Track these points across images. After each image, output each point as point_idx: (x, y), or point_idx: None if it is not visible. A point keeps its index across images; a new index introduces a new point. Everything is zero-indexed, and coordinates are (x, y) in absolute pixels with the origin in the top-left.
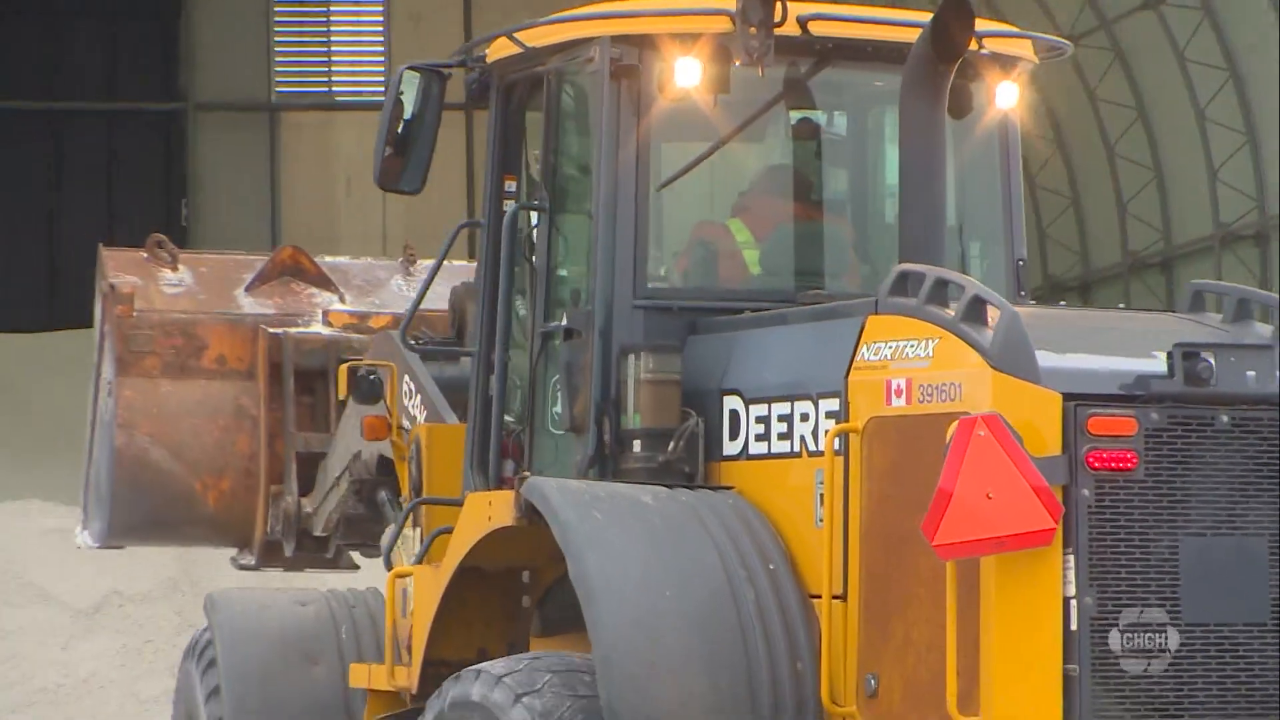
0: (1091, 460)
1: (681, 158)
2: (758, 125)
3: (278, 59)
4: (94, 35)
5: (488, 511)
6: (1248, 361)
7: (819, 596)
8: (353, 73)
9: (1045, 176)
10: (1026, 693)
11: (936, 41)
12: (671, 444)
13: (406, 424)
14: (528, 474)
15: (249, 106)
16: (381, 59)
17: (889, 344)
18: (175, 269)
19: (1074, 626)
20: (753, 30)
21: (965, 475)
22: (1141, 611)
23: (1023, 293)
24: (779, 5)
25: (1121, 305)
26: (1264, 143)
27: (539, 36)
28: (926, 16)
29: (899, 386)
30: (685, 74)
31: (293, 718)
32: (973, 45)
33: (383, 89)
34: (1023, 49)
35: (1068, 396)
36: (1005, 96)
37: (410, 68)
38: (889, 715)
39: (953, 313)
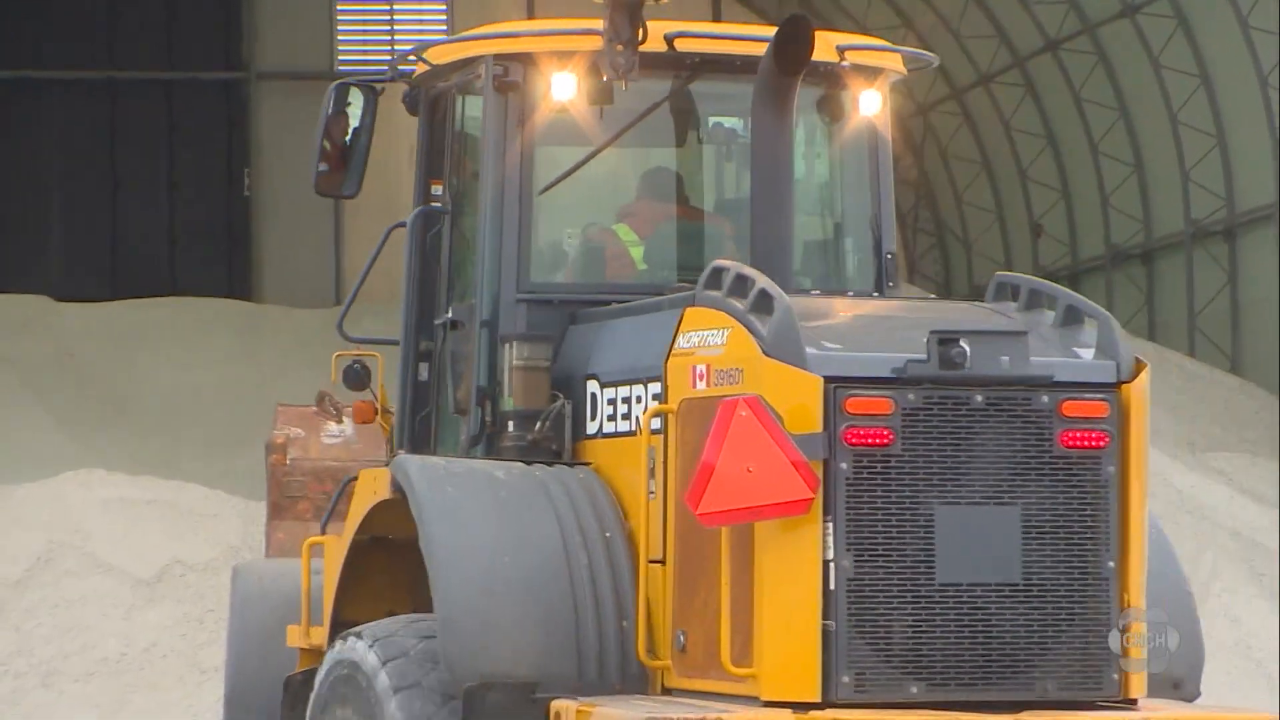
0: (848, 437)
1: (569, 163)
2: (642, 133)
3: (340, 29)
4: (154, 4)
5: (374, 486)
6: (1002, 347)
7: (655, 562)
8: (416, 43)
9: (1108, 145)
10: (790, 646)
11: (778, 56)
12: (539, 424)
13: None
14: (400, 452)
15: (311, 76)
16: (444, 29)
17: (698, 333)
18: (339, 421)
19: (832, 586)
20: (619, 48)
21: (727, 451)
22: (897, 572)
23: (890, 284)
24: (642, 26)
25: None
26: None
27: (442, 55)
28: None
29: (701, 371)
30: (561, 88)
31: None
32: (835, 57)
33: None
34: (885, 60)
35: (828, 380)
36: (869, 104)
37: (346, 83)
38: (694, 668)
39: (744, 305)
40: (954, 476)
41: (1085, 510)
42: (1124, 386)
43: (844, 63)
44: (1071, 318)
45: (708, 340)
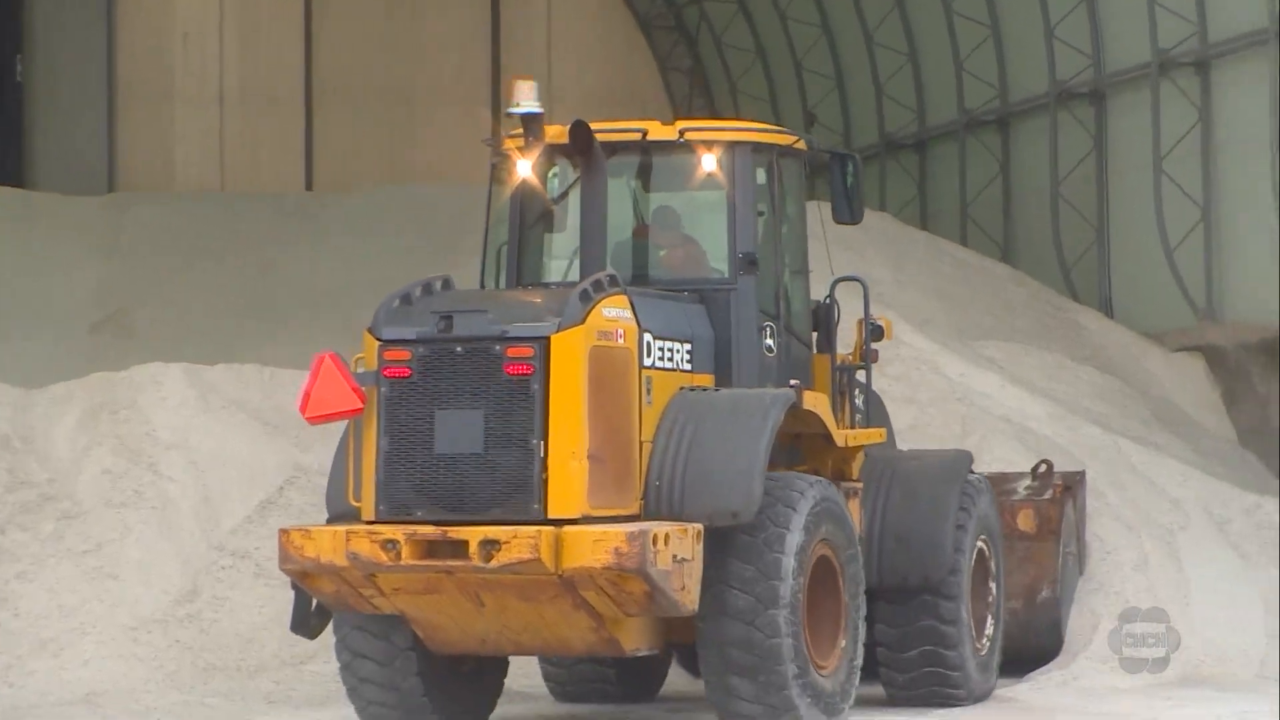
0: (385, 372)
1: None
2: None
3: None
4: None
5: None
6: (473, 319)
7: None
8: None
9: (883, 34)
10: (366, 488)
11: (571, 143)
12: None
13: None
14: None
15: None
16: None
17: None
18: None
19: (378, 451)
20: (532, 144)
21: (318, 383)
22: (411, 447)
23: (742, 272)
24: (542, 126)
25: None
26: None
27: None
28: (636, 123)
29: None
30: (523, 168)
31: None
32: (674, 135)
33: None
34: (717, 135)
35: (381, 341)
36: (708, 163)
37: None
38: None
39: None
40: (446, 393)
41: (520, 412)
42: (553, 337)
43: (682, 139)
44: (586, 296)
45: None
